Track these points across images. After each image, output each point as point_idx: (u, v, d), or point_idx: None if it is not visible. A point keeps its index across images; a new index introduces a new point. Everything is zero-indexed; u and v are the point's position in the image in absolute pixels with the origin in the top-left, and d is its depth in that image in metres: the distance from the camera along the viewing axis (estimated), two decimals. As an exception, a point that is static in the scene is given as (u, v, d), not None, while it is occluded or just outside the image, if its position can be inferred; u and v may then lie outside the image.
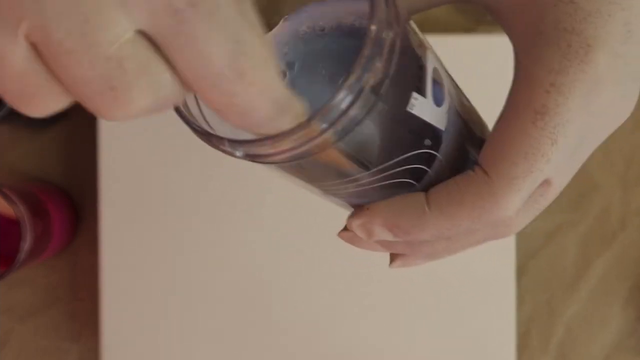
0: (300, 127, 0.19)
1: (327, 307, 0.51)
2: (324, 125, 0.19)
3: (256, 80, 0.17)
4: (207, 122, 0.22)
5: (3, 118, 0.45)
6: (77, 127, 0.54)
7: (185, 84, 0.18)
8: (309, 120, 0.19)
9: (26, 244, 0.45)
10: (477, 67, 0.50)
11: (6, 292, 0.54)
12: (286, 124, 0.19)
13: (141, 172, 0.51)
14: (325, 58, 0.24)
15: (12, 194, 0.46)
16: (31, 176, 0.55)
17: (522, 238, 0.53)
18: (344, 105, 0.19)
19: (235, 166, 0.50)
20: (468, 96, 0.28)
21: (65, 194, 0.54)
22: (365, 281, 0.50)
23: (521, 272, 0.53)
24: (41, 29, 0.16)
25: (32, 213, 0.46)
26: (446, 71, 0.25)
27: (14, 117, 0.47)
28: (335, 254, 0.50)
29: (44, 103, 0.18)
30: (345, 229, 0.27)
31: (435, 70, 0.23)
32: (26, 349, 0.54)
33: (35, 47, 0.17)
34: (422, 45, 0.22)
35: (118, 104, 0.17)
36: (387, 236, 0.25)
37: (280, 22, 0.25)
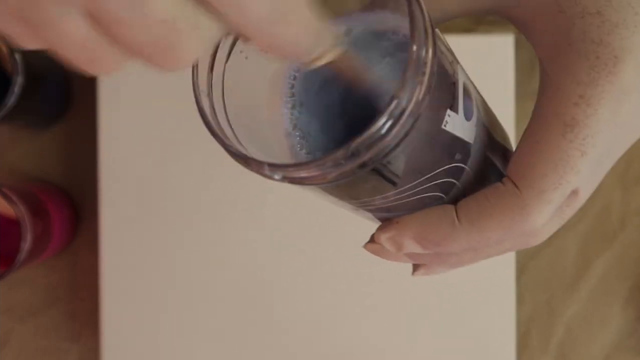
0: (340, 151, 0.19)
1: (328, 307, 0.50)
2: (363, 149, 0.19)
3: (295, 20, 0.18)
4: (239, 141, 0.23)
5: (3, 118, 0.45)
6: (77, 127, 0.54)
7: (231, 28, 0.19)
8: (350, 145, 0.19)
9: (26, 244, 0.45)
10: (477, 67, 0.50)
11: (6, 292, 0.54)
12: (324, 51, 0.20)
13: (141, 172, 0.51)
14: (363, 63, 0.24)
15: (12, 194, 0.46)
16: (31, 176, 0.55)
17: (522, 238, 0.53)
18: (383, 132, 0.19)
19: (236, 166, 0.50)
20: (499, 121, 0.29)
21: (65, 194, 0.54)
22: (366, 281, 0.50)
23: (521, 272, 0.53)
24: (96, 1, 0.17)
25: (32, 213, 0.46)
26: (472, 82, 0.25)
27: (14, 117, 0.47)
28: (337, 253, 0.50)
29: (108, 65, 0.19)
30: (372, 240, 0.27)
31: (465, 85, 0.23)
32: (26, 349, 0.54)
33: (93, 18, 0.17)
34: (453, 62, 0.23)
35: (174, 58, 0.18)
36: (417, 249, 0.26)
37: None
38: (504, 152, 0.25)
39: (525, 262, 0.53)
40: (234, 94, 0.23)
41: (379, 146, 0.19)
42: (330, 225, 0.50)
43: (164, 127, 0.50)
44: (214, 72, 0.22)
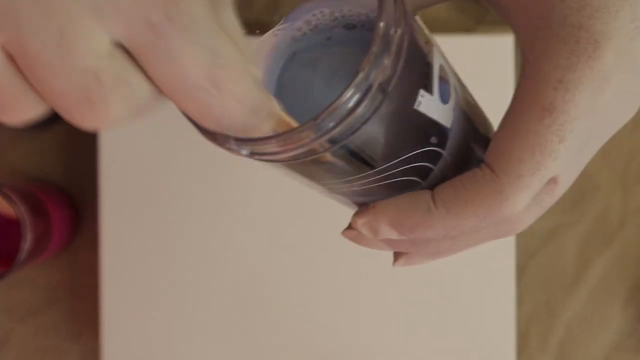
0: (307, 125, 0.19)
1: (327, 307, 0.51)
2: (331, 124, 0.19)
3: (232, 90, 0.18)
4: None
5: (3, 118, 0.45)
6: (77, 127, 0.54)
7: (161, 92, 0.18)
8: (316, 118, 0.19)
9: (26, 244, 0.45)
10: (477, 67, 0.50)
11: (6, 292, 0.54)
12: (260, 124, 0.19)
13: (141, 172, 0.51)
14: (328, 56, 0.24)
15: (12, 194, 0.46)
16: (31, 176, 0.55)
17: (522, 238, 0.53)
18: (351, 104, 0.19)
19: (236, 166, 0.50)
20: (482, 109, 0.28)
21: (66, 194, 0.54)
22: (365, 281, 0.50)
23: (521, 272, 0.53)
24: (17, 41, 0.16)
25: (32, 213, 0.46)
26: (452, 68, 0.24)
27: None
28: (336, 253, 0.50)
29: (22, 112, 0.18)
30: (349, 227, 0.27)
31: (441, 67, 0.23)
32: (26, 349, 0.54)
33: (11, 59, 0.17)
34: (429, 42, 0.22)
35: (95, 115, 0.17)
36: (392, 234, 0.25)
37: (281, 22, 0.25)
38: (487, 142, 0.25)
39: (525, 262, 0.53)
40: None
41: (347, 120, 0.19)
42: (330, 226, 0.50)
43: (165, 127, 0.50)
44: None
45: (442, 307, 0.50)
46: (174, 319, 0.51)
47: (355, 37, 0.24)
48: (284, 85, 0.25)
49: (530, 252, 0.53)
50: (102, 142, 0.51)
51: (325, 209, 0.50)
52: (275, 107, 0.20)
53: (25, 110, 0.18)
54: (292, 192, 0.50)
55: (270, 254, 0.51)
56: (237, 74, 0.18)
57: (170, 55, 0.17)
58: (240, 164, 0.50)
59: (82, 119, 0.18)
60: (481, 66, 0.50)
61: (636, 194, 0.53)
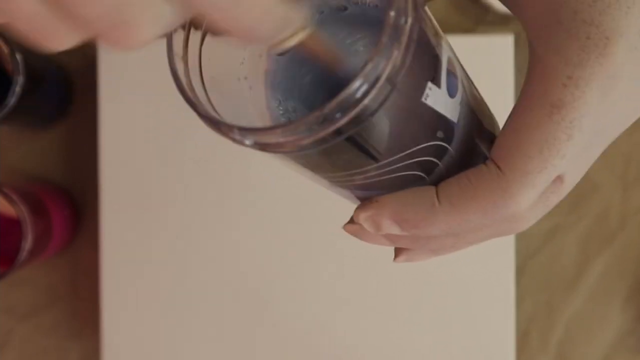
0: (313, 114, 0.18)
1: (327, 307, 0.51)
2: (338, 114, 0.19)
3: (257, 1, 0.18)
4: (214, 108, 0.21)
5: (3, 118, 0.45)
6: (77, 127, 0.55)
7: (189, 8, 0.18)
8: (323, 108, 0.18)
9: (27, 244, 0.45)
10: (476, 67, 0.50)
11: (7, 291, 0.54)
12: (290, 33, 0.19)
13: (141, 171, 0.51)
14: (337, 42, 0.24)
15: (13, 193, 0.46)
16: (32, 176, 0.55)
17: (522, 238, 0.53)
18: (359, 95, 0.18)
19: (236, 166, 0.50)
20: (487, 105, 0.28)
21: (66, 194, 0.54)
22: (365, 281, 0.50)
23: (521, 272, 0.53)
24: None
25: (32, 212, 0.46)
26: (459, 62, 0.24)
27: (15, 117, 0.47)
28: (336, 254, 0.50)
29: (60, 39, 0.18)
30: (352, 221, 0.26)
31: (449, 60, 0.22)
32: (27, 348, 0.54)
33: None
34: (437, 35, 0.22)
35: (129, 36, 0.18)
36: (395, 230, 0.25)
37: None
38: (492, 138, 0.24)
39: (525, 262, 0.53)
40: (212, 59, 0.22)
41: (354, 111, 0.19)
42: (332, 225, 0.50)
43: (165, 127, 0.51)
44: (190, 36, 0.21)
45: (442, 307, 0.50)
46: (173, 318, 0.51)
47: (346, 18, 0.24)
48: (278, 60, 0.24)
49: (530, 252, 0.53)
50: (102, 142, 0.51)
51: (326, 209, 0.50)
52: (305, 21, 0.19)
53: (64, 39, 0.18)
54: (292, 193, 0.50)
55: (271, 254, 0.51)
56: None
57: None
58: (240, 164, 0.50)
59: (116, 41, 0.18)
60: (481, 66, 0.50)
61: (636, 194, 0.53)
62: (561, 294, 0.53)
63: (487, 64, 0.50)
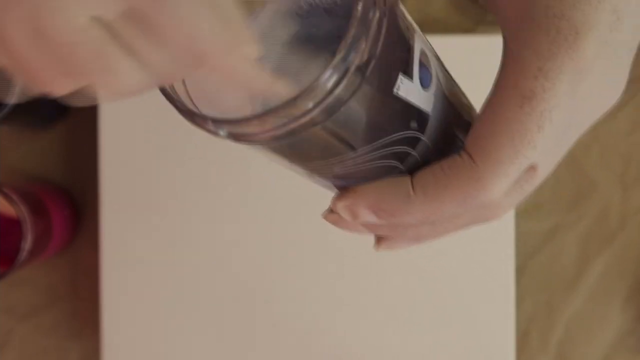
0: (285, 105, 0.19)
1: (327, 307, 0.51)
2: (309, 105, 0.19)
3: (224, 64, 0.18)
4: (194, 104, 0.22)
5: (3, 118, 0.45)
6: (77, 127, 0.55)
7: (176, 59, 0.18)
8: (295, 98, 0.19)
9: (27, 244, 0.45)
10: (476, 67, 0.50)
11: (7, 291, 0.54)
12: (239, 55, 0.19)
13: (141, 171, 0.51)
14: (311, 36, 0.24)
15: (13, 193, 0.46)
16: (32, 176, 0.55)
17: (522, 238, 0.53)
18: (329, 85, 0.19)
19: (236, 166, 0.50)
20: (467, 97, 0.28)
21: (66, 194, 0.54)
22: (365, 281, 0.50)
23: (521, 271, 0.53)
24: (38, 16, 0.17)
25: (32, 212, 0.46)
26: (435, 55, 0.24)
27: (15, 117, 0.47)
28: (337, 254, 0.50)
29: (57, 84, 0.19)
30: (331, 210, 0.27)
31: (422, 52, 0.23)
32: (27, 348, 0.54)
33: (33, 30, 0.17)
34: (410, 28, 0.22)
35: (115, 83, 0.18)
36: (372, 218, 0.25)
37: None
38: (470, 129, 0.25)
39: (525, 262, 0.53)
40: None
41: (325, 102, 0.19)
42: (332, 226, 0.50)
43: (165, 127, 0.51)
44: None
45: (442, 307, 0.50)
46: (173, 318, 0.51)
47: (338, 18, 0.24)
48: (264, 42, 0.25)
49: (530, 252, 0.53)
50: (102, 142, 0.51)
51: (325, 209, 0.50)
52: (270, 81, 0.20)
53: (60, 83, 0.19)
54: (292, 193, 0.50)
55: (271, 254, 0.51)
56: (222, 51, 0.18)
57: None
58: (240, 164, 0.50)
59: (106, 88, 0.18)
60: (480, 66, 0.50)
61: (635, 194, 0.53)
62: (561, 294, 0.53)
63: (487, 64, 0.50)
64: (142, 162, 0.51)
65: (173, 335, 0.51)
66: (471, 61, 0.50)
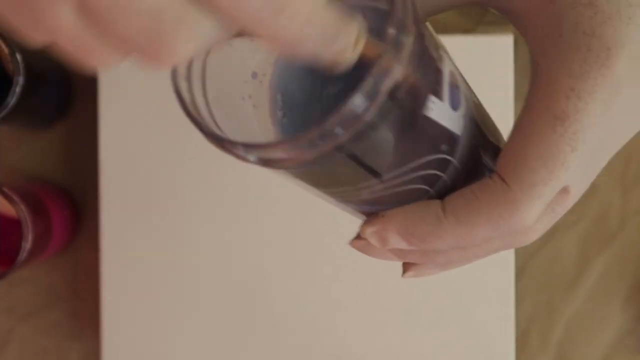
0: (314, 131, 0.19)
1: (327, 308, 0.51)
2: (339, 130, 0.19)
3: (299, 10, 0.17)
4: (218, 126, 0.21)
5: (3, 118, 0.45)
6: (77, 127, 0.55)
7: (230, 22, 0.18)
8: (323, 125, 0.18)
9: (27, 244, 0.45)
10: (476, 67, 0.50)
11: (7, 291, 0.54)
12: (343, 45, 0.18)
13: (142, 171, 0.51)
14: None
15: (13, 193, 0.46)
16: (32, 176, 0.55)
17: (522, 238, 0.53)
18: (359, 111, 0.18)
19: (236, 167, 0.50)
20: (491, 118, 0.28)
21: (66, 194, 0.54)
22: (365, 281, 0.50)
23: (520, 272, 0.53)
24: None
25: (33, 212, 0.46)
26: (461, 74, 0.24)
27: (15, 117, 0.47)
28: (337, 255, 0.50)
29: (102, 57, 0.18)
30: (358, 237, 0.26)
31: (451, 73, 0.22)
32: (27, 348, 0.54)
33: (81, 8, 0.17)
34: (439, 48, 0.22)
35: (167, 52, 0.17)
36: (402, 244, 0.25)
37: None
38: (497, 151, 0.24)
39: (525, 262, 0.53)
40: (216, 78, 0.22)
41: (355, 127, 0.19)
42: (331, 226, 0.50)
43: (165, 127, 0.51)
44: (194, 56, 0.21)
45: (441, 307, 0.50)
46: (174, 318, 0.51)
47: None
48: (285, 65, 0.24)
49: (530, 252, 0.53)
50: (102, 142, 0.51)
51: (326, 211, 0.50)
52: (356, 30, 0.19)
53: (104, 57, 0.18)
54: (292, 195, 0.50)
55: (270, 254, 0.51)
56: None
57: None
58: (240, 165, 0.50)
59: (155, 59, 0.18)
60: (480, 66, 0.50)
61: (635, 194, 0.53)
62: (561, 294, 0.53)
63: (487, 64, 0.50)
64: (142, 162, 0.51)
65: (173, 335, 0.51)
66: (471, 61, 0.50)
